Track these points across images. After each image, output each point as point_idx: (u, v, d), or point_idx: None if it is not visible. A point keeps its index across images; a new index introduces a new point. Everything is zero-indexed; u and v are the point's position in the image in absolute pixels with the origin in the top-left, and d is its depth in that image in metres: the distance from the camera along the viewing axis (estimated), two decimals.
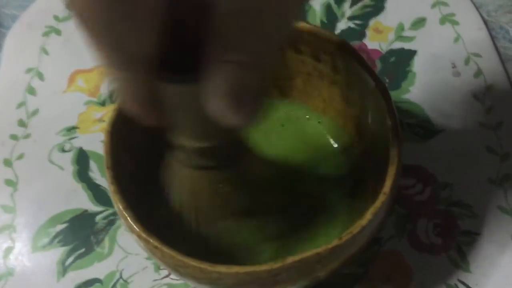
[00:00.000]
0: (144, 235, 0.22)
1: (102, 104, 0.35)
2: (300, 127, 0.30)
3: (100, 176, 0.32)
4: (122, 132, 0.25)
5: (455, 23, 0.37)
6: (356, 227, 0.21)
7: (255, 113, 0.17)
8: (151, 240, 0.21)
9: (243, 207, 0.25)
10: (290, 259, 0.21)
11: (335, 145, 0.30)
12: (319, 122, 0.30)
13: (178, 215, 0.25)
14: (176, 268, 0.21)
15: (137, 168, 0.26)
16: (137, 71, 0.16)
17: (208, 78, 0.16)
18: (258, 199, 0.25)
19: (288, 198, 0.27)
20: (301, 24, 0.28)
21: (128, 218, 0.22)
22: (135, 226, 0.22)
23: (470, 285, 0.28)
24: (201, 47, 0.16)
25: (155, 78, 0.17)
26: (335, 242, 0.21)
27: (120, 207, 0.22)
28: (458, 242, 0.29)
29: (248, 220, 0.26)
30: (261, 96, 0.17)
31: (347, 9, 0.38)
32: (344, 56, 0.26)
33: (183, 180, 0.23)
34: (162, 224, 0.25)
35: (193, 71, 0.16)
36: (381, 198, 0.22)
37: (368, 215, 0.21)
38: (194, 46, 0.17)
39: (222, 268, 0.20)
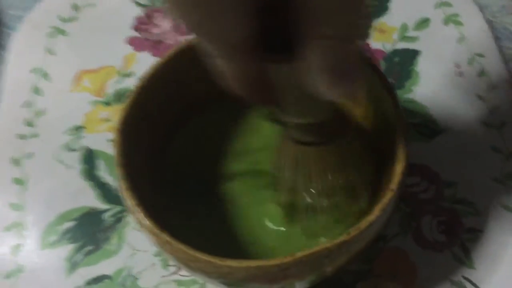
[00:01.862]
0: (155, 230, 0.22)
1: (108, 103, 0.35)
2: None
3: (108, 175, 0.32)
4: (131, 130, 0.25)
5: (458, 23, 0.37)
6: (364, 223, 0.22)
7: (354, 85, 0.18)
8: (162, 235, 0.22)
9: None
10: (300, 254, 0.21)
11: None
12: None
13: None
14: (187, 263, 0.22)
15: (146, 164, 0.26)
16: (241, 56, 0.17)
17: (307, 55, 0.17)
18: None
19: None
20: None
21: (140, 214, 0.22)
22: (146, 222, 0.22)
23: (474, 282, 0.28)
24: (291, 26, 0.17)
25: (258, 60, 0.18)
26: (343, 237, 0.21)
27: (132, 203, 0.23)
28: (462, 239, 0.29)
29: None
30: (358, 67, 0.18)
31: None
32: None
33: (292, 156, 0.24)
34: (172, 220, 0.25)
35: (289, 51, 0.17)
36: (389, 195, 0.22)
37: (376, 211, 0.22)
38: (282, 26, 0.17)
39: (233, 263, 0.21)
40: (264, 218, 0.27)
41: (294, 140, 0.23)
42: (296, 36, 0.17)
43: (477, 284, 0.28)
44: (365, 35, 0.17)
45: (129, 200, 0.23)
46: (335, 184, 0.25)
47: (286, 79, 0.19)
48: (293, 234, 0.27)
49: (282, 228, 0.27)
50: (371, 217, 0.22)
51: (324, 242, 0.21)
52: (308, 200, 0.26)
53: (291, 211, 0.27)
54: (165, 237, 0.22)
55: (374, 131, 0.27)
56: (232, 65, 0.18)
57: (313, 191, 0.26)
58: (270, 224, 0.27)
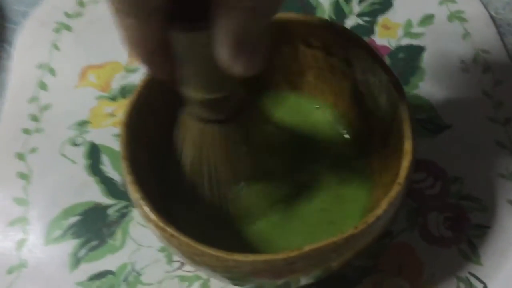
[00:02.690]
0: (161, 223, 0.22)
1: (113, 99, 0.35)
2: (310, 120, 0.30)
3: (112, 170, 0.32)
4: (137, 124, 0.25)
5: (463, 20, 0.37)
6: (371, 217, 0.21)
7: (259, 59, 0.18)
8: (168, 229, 0.22)
9: (250, 168, 0.25)
10: (306, 248, 0.21)
11: (347, 136, 0.30)
12: (330, 114, 0.30)
13: (189, 176, 0.25)
14: (192, 257, 0.22)
15: (151, 159, 0.26)
16: (149, 19, 0.17)
17: (216, 24, 0.17)
18: (265, 160, 0.26)
19: (294, 164, 0.28)
20: (313, 18, 0.28)
21: (145, 207, 0.22)
22: (152, 216, 0.22)
23: (481, 278, 0.28)
24: None
25: (166, 27, 0.17)
26: (350, 231, 0.21)
27: (137, 197, 0.23)
28: (468, 235, 0.29)
29: (256, 183, 0.26)
30: (265, 43, 0.18)
31: (356, 6, 0.38)
32: (356, 49, 0.27)
33: (194, 135, 0.24)
34: (177, 215, 0.25)
35: (202, 20, 0.17)
36: (396, 189, 0.22)
37: (384, 205, 0.22)
38: None
39: (239, 257, 0.21)
40: (269, 212, 0.27)
41: (196, 116, 0.23)
42: (210, 4, 0.16)
43: (484, 280, 0.28)
44: (276, 10, 0.17)
45: (134, 194, 0.23)
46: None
47: (191, 48, 0.18)
48: (298, 229, 0.27)
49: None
50: (379, 211, 0.22)
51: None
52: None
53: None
54: (171, 231, 0.22)
55: (379, 126, 0.27)
56: (138, 26, 0.17)
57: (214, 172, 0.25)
58: (274, 218, 0.27)
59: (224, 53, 0.17)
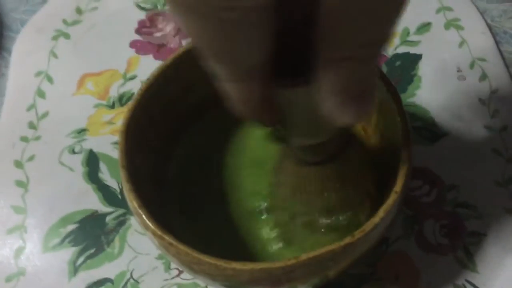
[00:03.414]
0: (159, 232, 0.22)
1: (111, 107, 0.35)
2: None
3: (110, 178, 0.32)
4: (135, 132, 0.25)
5: (459, 28, 0.37)
6: (368, 225, 0.22)
7: (368, 108, 0.17)
8: (166, 237, 0.22)
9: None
10: (304, 256, 0.21)
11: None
12: None
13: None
14: (191, 265, 0.22)
15: (150, 167, 0.26)
16: (253, 81, 0.17)
17: (321, 77, 0.16)
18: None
19: None
20: None
21: (143, 215, 0.22)
22: (150, 224, 0.22)
23: (477, 285, 0.28)
24: (311, 48, 0.16)
25: (270, 84, 0.17)
26: (348, 239, 0.21)
27: (135, 205, 0.23)
28: (465, 243, 0.29)
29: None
30: (373, 90, 0.17)
31: None
32: None
33: (296, 175, 0.24)
34: (175, 223, 0.25)
35: (305, 74, 0.17)
36: (393, 197, 0.22)
37: (381, 213, 0.22)
38: (303, 49, 0.17)
39: (237, 265, 0.21)
40: (267, 224, 0.27)
41: (296, 159, 0.23)
42: (313, 57, 0.16)
43: None
44: (380, 51, 0.16)
45: (132, 202, 0.23)
46: (335, 203, 0.25)
47: (296, 103, 0.18)
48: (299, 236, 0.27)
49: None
50: (376, 219, 0.22)
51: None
52: (306, 219, 0.26)
53: (287, 232, 0.27)
54: (169, 239, 0.22)
55: (377, 134, 0.27)
56: (242, 88, 0.17)
57: (312, 210, 0.25)
58: (273, 232, 0.27)
59: (331, 106, 0.16)
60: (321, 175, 0.24)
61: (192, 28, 0.15)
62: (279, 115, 0.19)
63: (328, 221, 0.26)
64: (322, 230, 0.26)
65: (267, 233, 0.27)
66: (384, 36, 0.16)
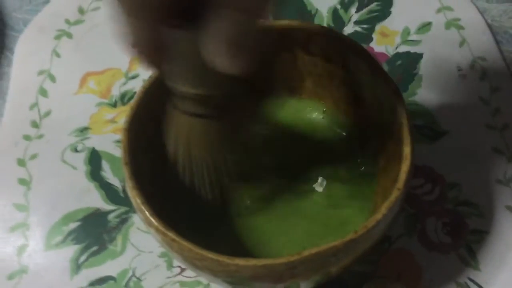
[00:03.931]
0: (162, 228, 0.22)
1: (114, 105, 0.35)
2: (310, 125, 0.30)
3: (112, 176, 0.32)
4: (138, 130, 0.25)
5: (460, 27, 0.37)
6: (371, 222, 0.22)
7: (249, 59, 0.18)
8: (169, 234, 0.22)
9: (235, 166, 0.25)
10: (307, 252, 0.21)
11: (345, 141, 0.30)
12: (329, 120, 0.31)
13: (176, 170, 0.25)
14: (194, 262, 0.22)
15: (152, 164, 0.26)
16: (148, 18, 0.18)
17: (209, 23, 0.17)
18: (252, 159, 0.26)
19: (293, 165, 0.28)
20: (312, 26, 0.29)
21: (147, 212, 0.22)
22: (153, 220, 0.22)
23: (479, 283, 0.28)
24: None
25: (162, 24, 0.18)
26: (350, 236, 0.21)
27: (138, 201, 0.23)
28: (466, 240, 0.29)
29: (242, 181, 0.26)
30: (256, 43, 0.18)
31: (354, 14, 0.39)
32: (355, 56, 0.27)
33: (180, 127, 0.24)
34: (178, 220, 0.25)
35: (196, 19, 0.18)
36: (395, 194, 0.22)
37: (383, 210, 0.22)
38: None
39: (240, 261, 0.21)
40: (269, 216, 0.27)
41: (182, 110, 0.23)
42: (203, 3, 0.17)
43: (483, 286, 0.28)
44: (268, 11, 0.18)
45: (136, 199, 0.23)
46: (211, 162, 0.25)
47: (185, 46, 0.19)
48: (296, 234, 0.27)
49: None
50: (378, 215, 0.22)
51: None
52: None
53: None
54: (172, 235, 0.22)
55: (380, 131, 0.27)
56: (136, 22, 0.18)
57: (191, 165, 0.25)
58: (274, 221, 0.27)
59: (215, 52, 0.18)
60: (204, 130, 0.23)
61: None
62: (166, 58, 0.20)
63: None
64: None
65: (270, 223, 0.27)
66: None
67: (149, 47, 0.19)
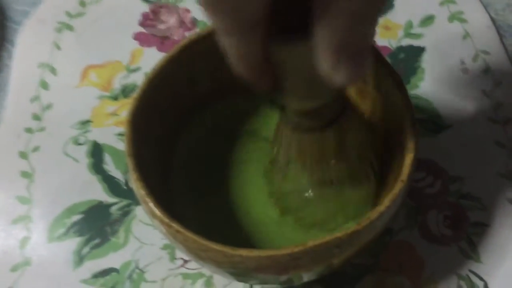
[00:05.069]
0: (166, 219, 0.22)
1: (115, 98, 0.35)
2: None
3: (115, 169, 0.32)
4: (141, 121, 0.25)
5: (463, 21, 0.37)
6: (374, 213, 0.22)
7: (364, 69, 0.17)
8: (174, 225, 0.22)
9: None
10: (311, 243, 0.21)
11: None
12: None
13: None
14: (197, 252, 0.22)
15: (156, 156, 0.26)
16: (251, 35, 0.17)
17: (317, 34, 0.16)
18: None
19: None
20: None
21: (151, 203, 0.22)
22: (157, 211, 0.22)
23: (481, 275, 0.28)
24: (308, 4, 0.16)
25: (267, 41, 0.17)
26: (354, 227, 0.21)
27: (142, 193, 0.23)
28: (468, 233, 0.30)
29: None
30: (368, 49, 0.17)
31: None
32: None
33: (292, 144, 0.24)
34: (181, 211, 0.25)
35: (302, 31, 0.17)
36: (399, 185, 0.22)
37: (386, 202, 0.22)
38: (302, 6, 0.17)
39: (244, 252, 0.21)
40: (272, 209, 0.27)
41: (293, 126, 0.23)
42: (308, 15, 0.16)
43: (484, 278, 0.28)
44: (379, 12, 0.17)
45: (140, 190, 0.23)
46: (335, 172, 0.25)
47: (293, 61, 0.18)
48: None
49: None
50: (381, 207, 0.22)
51: (315, 234, 0.21)
52: (305, 190, 0.26)
53: (284, 202, 0.27)
54: (176, 226, 0.22)
55: (383, 124, 0.27)
56: (239, 43, 0.17)
57: (311, 179, 0.25)
58: (276, 216, 0.27)
59: (326, 64, 0.16)
60: (318, 143, 0.23)
61: None
62: (275, 77, 0.19)
63: (325, 193, 0.25)
64: (318, 202, 0.26)
65: (272, 215, 0.27)
66: None
67: (255, 67, 0.18)
